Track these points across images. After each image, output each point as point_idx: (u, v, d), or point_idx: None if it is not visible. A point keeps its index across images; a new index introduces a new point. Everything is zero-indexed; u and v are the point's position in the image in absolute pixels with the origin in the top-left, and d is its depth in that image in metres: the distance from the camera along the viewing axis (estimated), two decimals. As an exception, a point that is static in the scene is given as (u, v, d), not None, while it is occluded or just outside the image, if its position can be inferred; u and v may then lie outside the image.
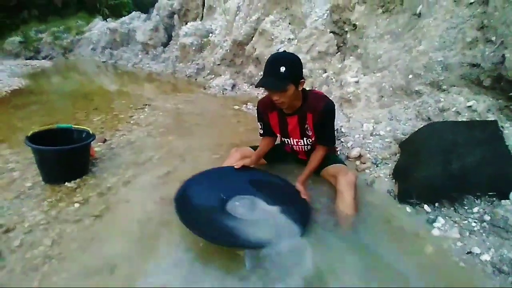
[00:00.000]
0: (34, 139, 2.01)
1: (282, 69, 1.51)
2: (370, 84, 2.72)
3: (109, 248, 1.45)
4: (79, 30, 12.29)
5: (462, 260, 1.34)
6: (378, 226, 1.59)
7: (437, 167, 1.61)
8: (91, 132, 2.26)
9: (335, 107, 1.77)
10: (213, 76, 5.49)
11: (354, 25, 3.23)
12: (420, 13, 2.43)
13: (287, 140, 1.94)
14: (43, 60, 10.87)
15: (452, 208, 1.55)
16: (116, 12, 14.51)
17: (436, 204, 1.59)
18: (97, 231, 1.59)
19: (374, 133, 2.29)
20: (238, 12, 5.44)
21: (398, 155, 2.01)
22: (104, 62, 10.33)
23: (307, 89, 1.82)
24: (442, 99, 1.97)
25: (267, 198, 1.65)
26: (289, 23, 4.42)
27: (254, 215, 1.55)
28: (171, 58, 7.35)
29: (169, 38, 8.93)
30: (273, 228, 1.39)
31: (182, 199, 1.55)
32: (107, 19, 12.31)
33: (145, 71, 8.10)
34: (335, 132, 1.92)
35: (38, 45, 11.56)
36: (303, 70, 3.76)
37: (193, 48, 6.33)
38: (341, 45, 3.59)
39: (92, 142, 2.53)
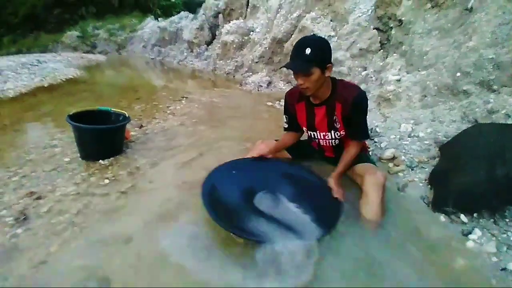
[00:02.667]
0: (76, 118, 2.16)
1: (308, 50, 1.43)
2: (413, 83, 2.52)
3: (128, 222, 1.50)
4: (132, 28, 13.18)
5: (494, 276, 1.16)
6: (405, 234, 1.42)
7: (479, 173, 1.42)
8: (127, 115, 2.38)
9: (367, 99, 1.64)
10: (251, 73, 5.53)
11: (400, 21, 3.02)
12: (471, 8, 2.19)
13: (314, 134, 1.83)
14: (98, 55, 11.85)
15: (491, 220, 1.36)
16: (167, 12, 15.30)
17: (475, 215, 1.41)
18: (120, 205, 1.66)
19: (412, 135, 2.11)
20: (279, 10, 5.41)
21: (437, 159, 1.82)
22: (153, 58, 10.96)
23: (346, 80, 1.72)
24: (491, 100, 1.75)
25: (295, 195, 1.58)
26: (331, 20, 4.28)
27: (277, 211, 1.48)
28: (213, 56, 7.55)
29: (213, 36, 9.20)
30: (289, 227, 1.32)
31: (209, 192, 1.49)
32: (158, 19, 13.04)
33: (189, 68, 8.43)
34: (368, 127, 1.76)
35: (95, 41, 12.63)
36: (342, 67, 3.64)
37: (234, 46, 6.43)
38: (385, 42, 3.39)
39: (129, 127, 2.68)
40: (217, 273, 1.17)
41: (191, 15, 11.16)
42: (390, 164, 2.01)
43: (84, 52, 12.34)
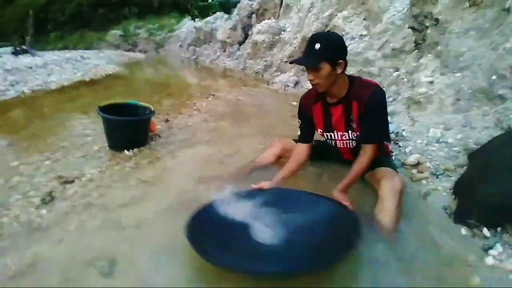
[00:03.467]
0: (106, 110, 2.30)
1: (317, 45, 1.39)
2: (446, 85, 2.35)
3: (142, 209, 1.57)
4: (171, 28, 13.75)
5: None
6: (421, 245, 1.33)
7: (506, 184, 1.29)
8: (152, 109, 2.49)
9: (385, 98, 1.55)
10: (279, 73, 5.51)
11: (436, 20, 2.84)
12: (509, 8, 2.00)
13: (331, 135, 1.76)
14: (138, 53, 12.54)
15: None
16: (204, 13, 15.74)
17: (498, 229, 1.28)
18: (137, 193, 1.74)
19: (440, 140, 1.97)
20: (311, 9, 5.33)
21: (465, 168, 1.69)
22: (188, 57, 11.36)
23: (365, 79, 1.64)
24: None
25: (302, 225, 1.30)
26: (364, 19, 4.14)
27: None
28: (244, 55, 7.64)
29: (246, 36, 9.30)
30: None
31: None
32: (195, 19, 13.46)
33: (220, 67, 8.61)
34: (386, 129, 1.64)
35: (136, 40, 13.38)
36: (372, 68, 3.50)
37: (264, 45, 6.45)
38: (420, 42, 3.20)
39: (155, 121, 2.80)
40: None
41: (225, 16, 11.39)
42: (414, 171, 1.89)
43: (125, 50, 13.13)
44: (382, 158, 1.73)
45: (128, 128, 2.31)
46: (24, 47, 7.87)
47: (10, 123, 3.13)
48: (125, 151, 2.29)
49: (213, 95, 4.40)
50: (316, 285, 1.11)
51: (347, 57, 1.53)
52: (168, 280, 1.12)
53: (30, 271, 1.16)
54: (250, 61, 6.93)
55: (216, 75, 7.51)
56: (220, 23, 10.78)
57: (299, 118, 1.82)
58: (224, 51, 9.63)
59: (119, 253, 1.24)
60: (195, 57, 11.08)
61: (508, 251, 1.21)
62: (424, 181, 1.78)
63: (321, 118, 1.74)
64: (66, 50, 10.97)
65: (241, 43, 9.16)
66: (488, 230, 1.32)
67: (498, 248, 1.23)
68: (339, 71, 1.48)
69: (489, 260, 1.20)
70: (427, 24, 3.03)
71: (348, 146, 1.75)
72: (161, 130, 2.80)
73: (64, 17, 14.61)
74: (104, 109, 2.29)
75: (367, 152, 1.54)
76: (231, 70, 7.80)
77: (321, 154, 2.02)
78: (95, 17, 14.97)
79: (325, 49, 1.40)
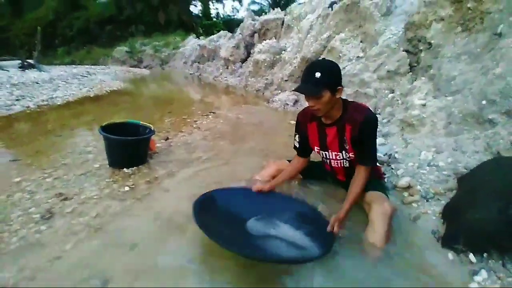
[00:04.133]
0: (108, 129, 2.37)
1: (317, 74, 1.47)
2: (438, 108, 2.42)
3: (137, 228, 1.62)
4: (176, 46, 14.13)
5: None
6: (405, 268, 1.36)
7: (492, 210, 1.32)
8: (152, 129, 2.56)
9: (377, 122, 1.62)
10: (280, 91, 5.62)
11: (430, 44, 2.94)
12: (500, 33, 2.08)
13: (326, 154, 1.82)
14: (143, 69, 12.83)
15: (500, 261, 1.25)
16: (208, 31, 16.23)
17: (484, 255, 1.31)
18: (134, 212, 1.79)
19: (431, 163, 2.01)
20: (310, 30, 5.50)
21: (455, 191, 1.72)
22: (191, 74, 11.60)
23: (358, 102, 1.72)
24: (519, 132, 1.63)
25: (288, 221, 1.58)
26: (361, 41, 4.26)
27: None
28: (245, 73, 7.81)
29: (248, 54, 9.53)
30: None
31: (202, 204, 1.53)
32: (200, 37, 13.85)
33: (223, 84, 8.79)
34: (376, 152, 1.72)
35: (141, 56, 13.71)
36: (368, 89, 3.59)
37: (265, 64, 6.61)
38: (415, 65, 3.29)
39: (156, 139, 2.87)
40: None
41: (229, 34, 11.71)
42: (405, 193, 1.93)
43: (131, 66, 13.44)
44: (374, 182, 1.78)
45: (128, 147, 2.38)
46: (31, 61, 8.10)
47: (14, 138, 3.22)
48: (125, 169, 2.35)
49: (213, 112, 4.49)
50: None
51: (343, 79, 1.61)
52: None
53: (27, 284, 1.20)
54: (252, 79, 7.08)
55: (218, 91, 7.66)
56: (224, 42, 11.07)
57: (296, 132, 1.92)
58: (227, 68, 9.85)
59: (113, 273, 1.27)
60: (198, 73, 11.31)
61: (493, 277, 1.23)
62: (414, 204, 1.81)
63: (316, 137, 1.80)
64: (73, 66, 11.27)
65: (243, 61, 9.38)
66: (474, 255, 1.35)
67: (483, 274, 1.26)
68: (338, 96, 1.56)
69: (473, 286, 1.23)
70: (421, 48, 3.14)
71: (342, 165, 1.80)
72: (160, 148, 2.87)
73: (72, 32, 15.09)
74: (105, 128, 2.37)
75: (361, 173, 1.63)
76: (233, 87, 7.96)
77: (315, 174, 2.09)
78: (102, 34, 15.44)
79: (326, 77, 1.48)
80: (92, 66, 11.48)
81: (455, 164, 1.87)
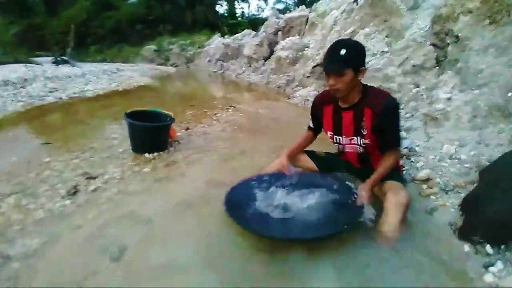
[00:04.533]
0: (132, 116, 2.49)
1: (343, 51, 1.44)
2: (464, 102, 2.31)
3: (154, 205, 1.70)
4: (201, 44, 14.39)
5: None
6: (418, 260, 1.33)
7: (514, 201, 1.26)
8: (173, 117, 2.66)
9: (399, 106, 1.58)
10: (301, 87, 5.60)
11: (457, 37, 2.81)
12: None
13: (339, 138, 1.77)
14: (170, 67, 13.20)
15: None
16: (233, 30, 16.40)
17: (502, 247, 1.25)
18: (152, 191, 1.88)
19: (453, 156, 1.94)
20: (334, 26, 5.43)
21: (476, 185, 1.65)
22: (215, 72, 11.78)
23: (379, 88, 1.68)
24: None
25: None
26: (386, 36, 4.15)
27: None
28: (268, 70, 7.83)
29: (272, 52, 9.53)
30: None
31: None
32: (224, 36, 14.03)
33: (245, 81, 8.87)
34: (400, 135, 1.67)
35: (168, 55, 14.11)
36: (392, 84, 3.50)
37: (287, 61, 6.60)
38: (442, 59, 3.16)
39: (176, 128, 2.97)
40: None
41: (253, 33, 11.76)
42: (424, 186, 1.87)
43: (158, 64, 13.88)
44: (393, 173, 1.73)
45: (150, 133, 2.48)
46: (64, 57, 8.60)
47: (46, 126, 3.46)
48: (146, 154, 2.46)
49: (234, 107, 4.55)
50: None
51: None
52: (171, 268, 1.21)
53: (48, 250, 1.31)
54: (273, 75, 7.09)
55: (239, 88, 7.74)
56: (248, 40, 11.13)
57: (311, 113, 1.91)
58: (250, 66, 9.91)
59: (129, 243, 1.35)
60: (222, 71, 11.47)
61: (509, 268, 1.18)
62: (433, 197, 1.75)
63: (330, 121, 1.76)
64: (104, 63, 11.81)
65: (266, 59, 9.39)
66: (492, 247, 1.29)
67: (499, 265, 1.21)
68: (360, 77, 1.53)
69: (488, 278, 1.18)
70: (448, 41, 3.00)
71: (356, 151, 1.75)
72: (181, 137, 2.96)
73: (104, 31, 15.83)
74: (129, 115, 2.48)
75: (391, 155, 1.59)
76: (256, 85, 8.00)
77: (331, 165, 2.06)
78: (132, 33, 16.08)
79: (351, 56, 1.44)
80: (122, 64, 11.98)
81: (478, 157, 1.79)
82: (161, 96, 6.09)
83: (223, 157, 2.47)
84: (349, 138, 1.73)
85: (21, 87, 4.98)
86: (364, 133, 1.64)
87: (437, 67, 3.16)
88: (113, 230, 1.44)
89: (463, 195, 1.65)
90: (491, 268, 1.20)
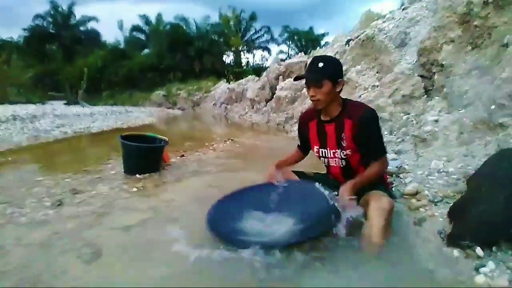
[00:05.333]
0: (127, 139, 2.57)
1: (320, 64, 1.54)
2: (451, 122, 2.35)
3: (135, 215, 1.67)
4: (207, 89, 15.14)
5: None
6: (407, 266, 1.25)
7: (498, 200, 1.22)
8: (167, 140, 2.73)
9: (377, 116, 1.62)
10: (299, 123, 5.72)
11: (442, 65, 2.95)
12: (507, 43, 2.07)
13: (324, 151, 1.79)
14: (177, 110, 13.76)
15: (510, 252, 1.12)
16: (238, 77, 17.32)
17: (493, 248, 1.18)
18: (136, 204, 1.86)
19: (441, 170, 1.91)
20: (328, 66, 5.73)
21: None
22: (219, 113, 12.22)
23: (358, 101, 1.74)
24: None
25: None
26: (377, 72, 4.35)
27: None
28: (268, 110, 8.10)
29: (273, 95, 9.95)
30: None
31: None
32: (230, 82, 14.80)
33: (247, 121, 9.13)
34: (383, 143, 1.68)
35: (176, 99, 14.80)
36: (383, 113, 3.57)
37: (286, 100, 6.86)
38: (430, 88, 3.27)
39: (171, 155, 3.02)
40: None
41: (256, 78, 12.41)
42: (413, 200, 1.81)
43: (166, 108, 14.51)
44: (378, 185, 1.71)
45: (142, 153, 2.53)
46: (76, 99, 9.10)
47: (46, 153, 3.55)
48: (137, 175, 2.47)
49: (232, 139, 4.64)
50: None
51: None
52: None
53: (20, 251, 1.28)
54: (274, 114, 7.31)
55: (240, 127, 7.95)
56: (251, 84, 11.72)
57: (298, 133, 1.96)
58: (252, 107, 10.28)
59: (104, 246, 1.33)
60: (225, 113, 11.88)
61: (502, 268, 1.10)
62: (422, 209, 1.69)
63: (315, 134, 1.80)
64: (114, 106, 12.39)
65: (268, 101, 9.77)
66: (482, 249, 1.21)
67: (491, 265, 1.13)
68: (338, 89, 1.59)
69: (480, 279, 1.10)
70: (434, 70, 3.15)
71: (339, 165, 1.75)
72: (175, 163, 2.99)
73: (117, 78, 16.87)
74: (125, 138, 2.56)
75: (375, 164, 1.57)
76: (257, 124, 8.22)
77: (320, 182, 2.05)
78: (143, 80, 17.09)
79: (328, 68, 1.54)
80: (131, 107, 12.56)
81: (465, 168, 1.77)
82: (163, 132, 6.26)
83: (213, 177, 2.47)
84: (333, 151, 1.75)
85: (29, 122, 5.21)
86: (344, 145, 1.66)
87: (425, 96, 3.26)
88: (90, 236, 1.42)
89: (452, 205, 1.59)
90: (482, 269, 1.12)
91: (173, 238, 1.41)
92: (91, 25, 20.67)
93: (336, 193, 1.50)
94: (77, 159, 3.13)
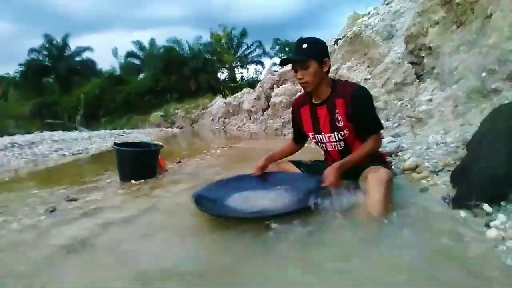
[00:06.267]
0: (121, 146, 2.55)
1: (304, 45, 1.53)
2: (444, 98, 2.32)
3: (127, 212, 1.63)
4: (204, 106, 15.26)
5: None
6: (414, 230, 1.19)
7: (499, 154, 1.18)
8: (161, 144, 2.70)
9: (369, 92, 1.60)
10: (296, 126, 5.70)
11: (430, 48, 2.95)
12: (490, 14, 2.07)
13: (320, 137, 1.75)
14: (175, 129, 13.81)
15: None
16: (234, 92, 17.49)
17: (502, 203, 1.12)
18: (129, 204, 1.82)
19: (439, 142, 1.87)
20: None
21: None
22: (217, 128, 12.25)
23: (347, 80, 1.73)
24: (523, 86, 1.51)
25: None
26: (368, 66, 4.38)
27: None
28: (265, 118, 8.12)
29: (269, 105, 10.00)
30: None
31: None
32: (226, 97, 14.94)
33: (246, 132, 9.13)
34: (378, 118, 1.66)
35: (174, 118, 14.89)
36: (378, 103, 3.55)
37: (282, 105, 6.88)
38: (421, 73, 3.27)
39: (168, 162, 2.99)
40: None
41: (252, 90, 12.53)
42: (413, 174, 1.76)
43: (165, 128, 14.57)
44: (374, 162, 1.66)
45: (137, 159, 2.50)
46: (74, 125, 9.16)
47: (44, 173, 3.52)
48: (133, 181, 2.43)
49: (229, 146, 4.62)
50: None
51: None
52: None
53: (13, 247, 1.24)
54: (270, 121, 7.32)
55: (238, 137, 7.94)
56: (247, 96, 11.82)
57: (292, 122, 1.92)
58: (250, 118, 10.31)
59: (96, 239, 1.28)
60: (223, 127, 11.92)
61: None
62: (423, 181, 1.65)
63: (309, 120, 1.77)
64: (114, 130, 12.46)
65: (264, 110, 9.82)
66: (490, 205, 1.16)
67: (501, 218, 1.08)
68: (325, 69, 1.57)
69: (491, 233, 1.04)
70: (423, 55, 3.15)
71: (337, 148, 1.71)
72: (172, 169, 2.95)
73: (115, 104, 17.06)
74: (119, 145, 2.54)
75: (371, 139, 1.55)
76: (256, 134, 8.21)
77: (317, 171, 1.99)
78: (141, 103, 17.27)
79: (312, 49, 1.54)
80: (130, 129, 12.63)
81: (463, 136, 1.73)
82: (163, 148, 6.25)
83: (211, 176, 2.43)
84: (328, 135, 1.72)
85: (27, 148, 5.21)
86: (340, 125, 1.63)
87: (417, 81, 3.26)
88: (80, 231, 1.37)
89: (453, 172, 1.54)
90: (492, 223, 1.06)
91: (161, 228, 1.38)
92: (86, 55, 21.11)
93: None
94: (74, 174, 3.10)
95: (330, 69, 1.66)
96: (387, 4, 5.03)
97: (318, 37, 1.69)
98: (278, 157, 1.93)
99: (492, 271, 0.86)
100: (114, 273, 1.03)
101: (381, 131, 1.66)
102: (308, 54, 1.54)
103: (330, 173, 1.42)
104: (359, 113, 1.54)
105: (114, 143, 2.55)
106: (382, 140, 2.00)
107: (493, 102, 1.76)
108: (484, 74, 1.88)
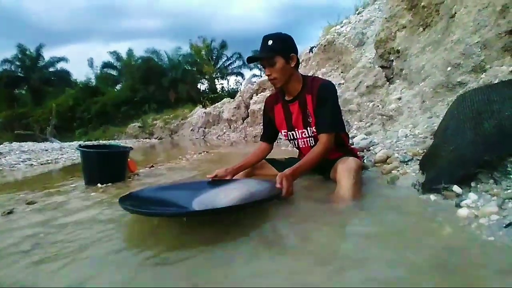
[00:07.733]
0: (87, 148, 2.41)
1: (270, 42, 1.52)
2: (413, 96, 2.40)
3: (85, 214, 1.51)
4: (184, 116, 15.07)
5: (496, 236, 0.85)
6: (385, 214, 1.17)
7: (466, 134, 1.19)
8: (131, 146, 2.59)
9: (335, 89, 1.61)
10: (275, 132, 5.72)
11: (398, 51, 3.07)
12: (455, 13, 2.18)
13: (293, 134, 1.74)
14: (154, 140, 13.51)
15: (491, 180, 1.07)
16: (214, 102, 17.45)
17: (472, 184, 1.13)
18: (89, 204, 1.70)
19: (408, 135, 1.90)
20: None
21: (432, 147, 1.59)
22: (197, 138, 12.09)
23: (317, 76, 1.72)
24: (483, 76, 1.57)
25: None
26: (341, 72, 4.49)
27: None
28: (245, 126, 8.11)
29: (248, 114, 10.03)
30: None
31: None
32: (206, 108, 14.85)
33: (226, 141, 9.05)
34: (340, 119, 1.65)
35: (153, 129, 14.58)
36: (351, 105, 3.62)
37: (260, 112, 6.90)
38: (391, 76, 3.38)
39: (140, 167, 2.87)
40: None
41: (232, 100, 12.55)
42: (385, 166, 1.77)
43: (143, 139, 14.21)
44: (347, 155, 1.66)
45: (104, 160, 2.36)
46: (44, 136, 8.74)
47: (12, 183, 3.28)
48: (99, 184, 2.29)
49: (207, 152, 4.53)
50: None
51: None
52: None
53: None
54: (250, 128, 7.32)
55: (216, 145, 7.85)
56: (227, 105, 11.81)
57: (263, 120, 1.88)
58: (230, 127, 10.28)
59: (57, 237, 1.17)
60: (203, 137, 11.79)
61: (486, 197, 1.05)
62: (394, 171, 1.65)
63: (282, 117, 1.75)
64: (87, 142, 12.00)
65: (244, 119, 9.83)
66: (459, 186, 1.16)
67: (472, 197, 1.08)
68: (292, 64, 1.56)
69: (463, 211, 1.03)
70: (392, 58, 3.27)
71: (309, 144, 1.70)
72: (143, 173, 2.83)
73: (90, 115, 16.52)
74: (84, 147, 2.41)
75: (322, 141, 1.53)
76: (236, 142, 8.16)
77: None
78: (118, 114, 16.83)
79: (278, 45, 1.52)
80: (105, 140, 12.21)
81: (431, 127, 1.77)
82: (137, 157, 6.05)
83: (183, 178, 2.34)
84: (301, 131, 1.70)
85: (-8, 159, 4.88)
86: (310, 121, 1.63)
87: (388, 83, 3.36)
88: (32, 232, 1.25)
89: (422, 160, 1.56)
90: (463, 202, 1.05)
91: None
92: (60, 65, 20.52)
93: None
94: (36, 181, 2.90)
95: (299, 66, 1.65)
96: (358, 14, 5.23)
97: (283, 32, 1.68)
98: (250, 164, 1.83)
99: (469, 246, 0.85)
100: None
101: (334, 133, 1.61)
102: (274, 50, 1.53)
103: (283, 182, 1.31)
104: (320, 107, 1.54)
105: (79, 145, 2.41)
106: (355, 138, 2.02)
107: (458, 94, 1.82)
108: (449, 68, 1.95)
